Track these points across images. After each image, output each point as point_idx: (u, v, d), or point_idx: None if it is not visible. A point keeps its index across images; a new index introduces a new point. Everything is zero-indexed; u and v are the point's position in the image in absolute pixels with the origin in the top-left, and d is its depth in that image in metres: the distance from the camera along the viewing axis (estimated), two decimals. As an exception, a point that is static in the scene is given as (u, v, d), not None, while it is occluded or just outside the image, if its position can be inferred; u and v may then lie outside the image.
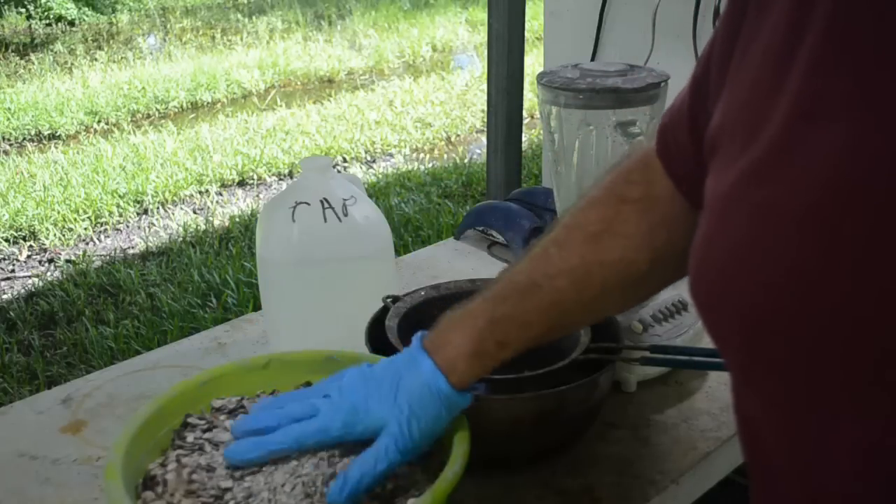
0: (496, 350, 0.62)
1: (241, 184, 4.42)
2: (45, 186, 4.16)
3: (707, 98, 0.52)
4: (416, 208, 3.73)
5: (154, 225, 3.90)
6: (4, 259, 3.56)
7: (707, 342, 0.96)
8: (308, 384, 0.72)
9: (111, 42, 8.54)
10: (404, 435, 0.59)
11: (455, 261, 1.23)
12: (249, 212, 3.91)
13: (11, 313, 2.98)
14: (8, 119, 5.42)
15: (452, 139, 5.16)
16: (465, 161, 4.59)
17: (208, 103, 6.08)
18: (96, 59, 7.38)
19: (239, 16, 9.84)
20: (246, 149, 4.73)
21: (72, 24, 9.21)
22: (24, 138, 5.25)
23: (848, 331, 0.36)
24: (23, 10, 9.18)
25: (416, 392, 0.60)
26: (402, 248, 3.01)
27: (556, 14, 1.33)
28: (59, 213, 3.87)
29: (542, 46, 1.37)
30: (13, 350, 2.73)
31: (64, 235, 3.74)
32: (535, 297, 0.63)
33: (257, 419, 0.63)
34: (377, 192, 3.99)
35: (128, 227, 3.91)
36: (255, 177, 4.44)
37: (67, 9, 9.23)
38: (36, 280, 3.30)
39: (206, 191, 4.27)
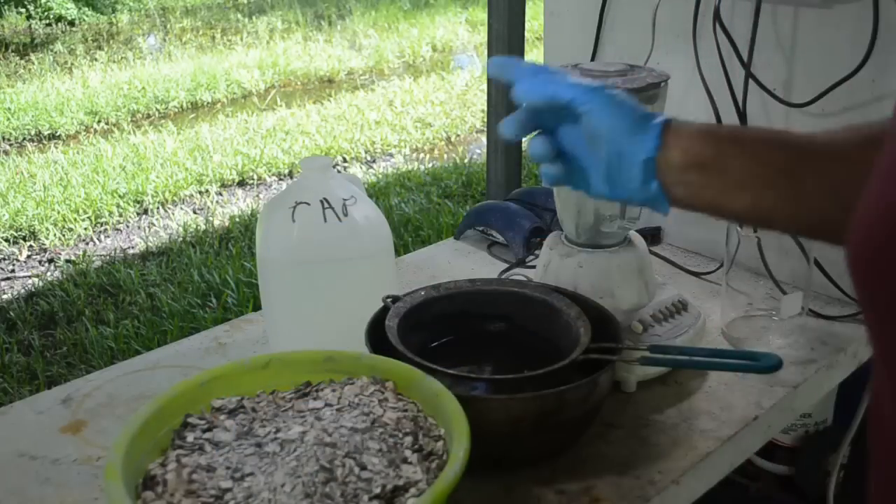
0: (728, 142, 0.62)
1: (241, 184, 4.42)
2: (45, 186, 4.16)
3: None
4: (416, 208, 3.73)
5: (154, 225, 3.90)
6: (4, 259, 3.56)
7: (707, 342, 0.96)
8: (308, 384, 0.72)
9: (111, 42, 8.54)
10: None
11: (455, 261, 1.23)
12: (249, 212, 3.91)
13: (11, 313, 2.98)
14: (8, 119, 5.42)
15: (452, 139, 5.16)
16: (465, 161, 4.59)
17: (208, 103, 6.08)
18: (96, 59, 7.38)
19: (239, 16, 9.83)
20: (246, 149, 4.73)
21: (72, 24, 9.20)
22: (24, 138, 5.25)
23: None
24: (23, 10, 9.17)
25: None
26: (402, 248, 3.01)
27: (556, 14, 1.33)
28: (59, 213, 3.87)
29: (542, 46, 1.37)
30: (13, 350, 2.73)
31: (64, 235, 3.74)
32: (781, 137, 0.62)
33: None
34: (377, 192, 3.99)
35: (128, 227, 3.91)
36: (255, 177, 4.44)
37: (67, 9, 9.22)
38: (36, 280, 3.30)
39: (206, 191, 4.27)
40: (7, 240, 3.69)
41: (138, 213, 4.04)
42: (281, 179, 4.47)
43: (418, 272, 1.18)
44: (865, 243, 0.41)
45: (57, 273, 3.38)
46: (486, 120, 1.65)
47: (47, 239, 3.70)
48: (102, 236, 3.82)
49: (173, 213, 4.01)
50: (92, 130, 5.41)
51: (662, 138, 0.63)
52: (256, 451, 0.63)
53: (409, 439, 0.64)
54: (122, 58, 7.46)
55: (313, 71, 6.83)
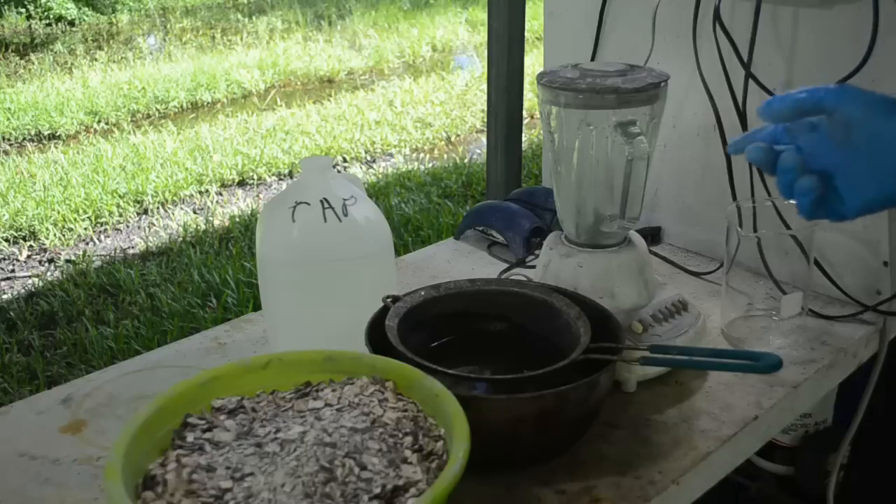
0: None
1: (241, 184, 4.42)
2: (45, 186, 4.16)
3: None
4: (416, 208, 3.73)
5: (154, 225, 3.90)
6: (4, 259, 3.56)
7: (707, 342, 0.96)
8: (308, 384, 0.72)
9: (111, 42, 8.54)
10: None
11: (455, 261, 1.23)
12: (249, 212, 3.91)
13: (11, 313, 2.98)
14: (8, 119, 5.42)
15: (452, 139, 5.16)
16: (465, 161, 4.59)
17: (208, 103, 6.08)
18: (96, 59, 7.38)
19: (239, 16, 9.84)
20: (246, 149, 4.73)
21: (72, 24, 9.20)
22: (24, 138, 5.25)
23: None
24: (23, 10, 9.17)
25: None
26: (402, 248, 3.01)
27: (556, 14, 1.33)
28: (59, 213, 3.87)
29: (542, 46, 1.37)
30: (13, 350, 2.72)
31: (64, 235, 3.74)
32: None
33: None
34: (377, 192, 3.99)
35: (128, 227, 3.91)
36: (255, 177, 4.44)
37: (67, 9, 9.22)
38: (36, 280, 3.30)
39: (206, 191, 4.27)
40: (7, 240, 3.69)
41: (138, 213, 4.04)
42: (281, 179, 4.47)
43: (418, 272, 1.18)
44: None
45: (57, 273, 3.38)
46: (486, 120, 1.65)
47: (47, 239, 3.70)
48: (102, 236, 3.82)
49: (173, 213, 4.01)
50: (92, 130, 5.40)
51: None
52: (256, 451, 0.63)
53: (409, 439, 0.64)
54: (122, 58, 7.46)
55: (313, 71, 6.83)
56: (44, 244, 3.68)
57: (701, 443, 0.80)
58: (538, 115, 3.69)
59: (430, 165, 4.59)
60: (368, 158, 4.79)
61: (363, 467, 0.61)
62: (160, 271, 3.26)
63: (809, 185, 0.67)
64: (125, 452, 0.60)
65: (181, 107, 5.94)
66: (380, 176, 4.39)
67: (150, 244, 3.62)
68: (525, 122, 4.59)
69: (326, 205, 0.85)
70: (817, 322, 1.02)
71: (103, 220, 3.91)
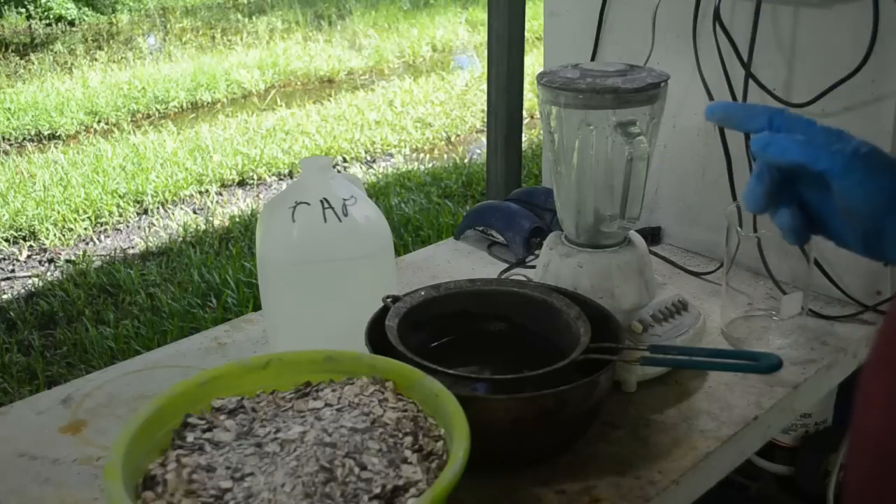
0: None
1: (241, 184, 4.42)
2: (45, 186, 4.16)
3: None
4: (416, 208, 3.73)
5: (154, 225, 3.90)
6: (4, 259, 3.56)
7: (707, 342, 0.96)
8: (308, 384, 0.72)
9: (111, 42, 8.54)
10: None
11: (455, 261, 1.23)
12: (249, 212, 3.91)
13: (11, 313, 2.98)
14: (8, 119, 5.42)
15: (452, 139, 5.16)
16: (465, 161, 4.59)
17: (208, 103, 6.08)
18: (96, 59, 7.38)
19: (239, 16, 9.84)
20: (246, 149, 4.73)
21: (72, 24, 9.21)
22: (24, 138, 5.25)
23: None
24: (23, 10, 9.18)
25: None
26: (402, 248, 3.01)
27: (556, 14, 1.33)
28: (59, 213, 3.87)
29: (542, 46, 1.37)
30: (13, 350, 2.73)
31: (64, 235, 3.74)
32: None
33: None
34: (377, 192, 3.99)
35: (128, 227, 3.91)
36: (255, 177, 4.44)
37: (67, 9, 9.22)
38: (36, 280, 3.30)
39: (206, 191, 4.27)
40: (7, 240, 3.69)
41: (138, 213, 4.04)
42: (281, 179, 4.47)
43: (418, 272, 1.18)
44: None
45: (57, 273, 3.38)
46: (486, 120, 1.65)
47: (47, 239, 3.70)
48: (102, 236, 3.82)
49: (173, 213, 4.01)
50: (92, 130, 5.41)
51: None
52: (256, 451, 0.63)
53: (409, 439, 0.64)
54: (122, 58, 7.46)
55: (313, 71, 6.83)
56: (44, 244, 3.68)
57: (701, 443, 0.80)
58: (538, 115, 3.69)
59: (430, 165, 4.59)
60: (368, 158, 4.79)
61: (363, 467, 0.61)
62: (160, 271, 3.26)
63: (799, 241, 0.62)
64: (125, 452, 0.60)
65: (181, 107, 5.94)
66: (380, 176, 4.39)
67: (150, 244, 3.62)
68: (525, 122, 4.59)
69: (326, 205, 0.85)
70: (817, 322, 1.02)
71: (103, 220, 3.91)
